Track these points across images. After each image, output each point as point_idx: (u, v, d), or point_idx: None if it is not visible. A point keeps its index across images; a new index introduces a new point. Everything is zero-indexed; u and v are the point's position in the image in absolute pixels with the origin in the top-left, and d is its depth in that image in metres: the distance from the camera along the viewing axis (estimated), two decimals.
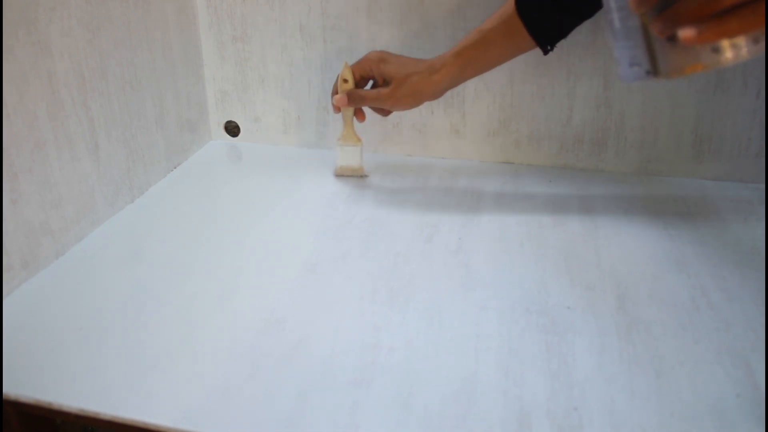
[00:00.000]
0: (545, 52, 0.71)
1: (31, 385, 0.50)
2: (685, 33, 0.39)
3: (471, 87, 0.86)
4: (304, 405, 0.48)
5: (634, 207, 0.77)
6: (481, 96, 0.87)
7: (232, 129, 0.99)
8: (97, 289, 0.63)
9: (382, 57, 0.75)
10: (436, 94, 0.74)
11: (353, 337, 0.55)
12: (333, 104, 0.79)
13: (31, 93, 0.62)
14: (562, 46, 0.81)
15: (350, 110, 0.80)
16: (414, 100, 0.74)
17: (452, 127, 0.90)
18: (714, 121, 0.81)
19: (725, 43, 0.41)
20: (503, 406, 0.48)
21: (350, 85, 0.77)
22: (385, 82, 0.75)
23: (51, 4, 0.63)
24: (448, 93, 0.87)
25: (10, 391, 0.50)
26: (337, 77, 0.78)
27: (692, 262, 0.65)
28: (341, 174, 0.85)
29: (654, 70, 0.45)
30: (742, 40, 0.40)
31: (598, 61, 0.81)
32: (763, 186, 0.81)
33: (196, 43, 0.92)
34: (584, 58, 0.82)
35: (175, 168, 0.89)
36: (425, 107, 0.89)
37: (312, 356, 0.53)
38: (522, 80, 0.85)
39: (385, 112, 0.79)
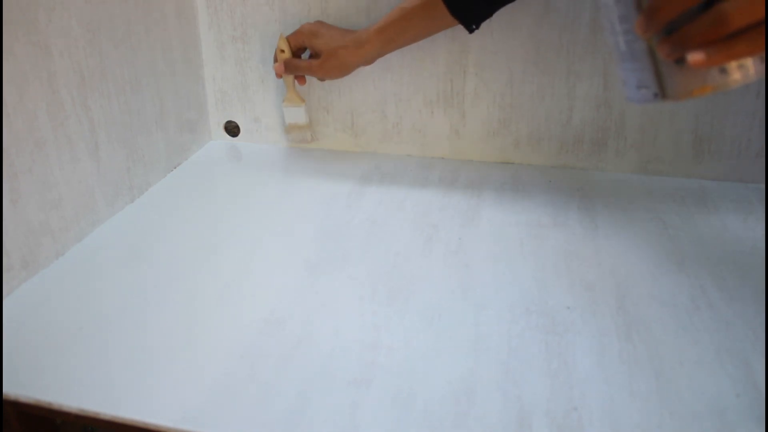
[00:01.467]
0: (470, 31, 0.75)
1: (31, 385, 0.50)
2: (694, 57, 0.40)
3: (471, 87, 0.86)
4: (304, 405, 0.48)
5: (634, 207, 0.77)
6: (481, 96, 0.87)
7: (232, 129, 0.99)
8: (97, 289, 0.63)
9: (313, 30, 0.82)
10: (364, 64, 0.82)
11: (353, 337, 0.55)
12: (275, 69, 0.87)
13: (31, 93, 0.62)
14: (562, 46, 0.81)
15: (291, 76, 0.87)
16: (341, 71, 0.82)
17: (452, 127, 0.90)
18: (714, 121, 0.81)
19: (733, 65, 0.41)
20: (503, 406, 0.48)
21: (287, 54, 0.85)
22: (317, 54, 0.82)
23: (51, 4, 0.63)
24: (448, 92, 0.87)
25: (10, 391, 0.50)
26: (276, 47, 0.86)
27: (692, 262, 0.65)
28: (290, 133, 0.93)
29: (662, 93, 0.45)
30: (749, 61, 0.41)
31: (598, 61, 0.81)
32: (763, 186, 0.81)
33: (196, 43, 0.92)
34: (584, 58, 0.82)
35: (175, 168, 0.89)
36: (425, 107, 0.89)
37: (312, 356, 0.53)
38: (522, 80, 0.85)
39: (320, 79, 0.88)
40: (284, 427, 0.46)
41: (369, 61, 0.81)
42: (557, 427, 0.46)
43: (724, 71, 0.41)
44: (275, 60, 0.87)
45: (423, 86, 0.88)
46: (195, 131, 0.94)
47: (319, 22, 0.83)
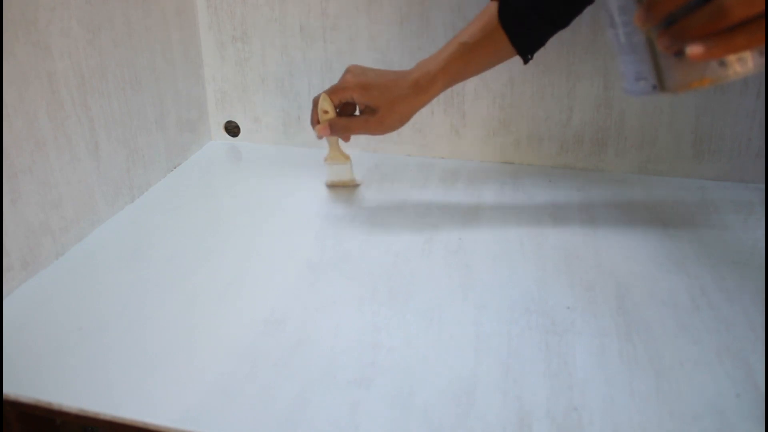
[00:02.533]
0: (525, 62, 0.71)
1: (31, 385, 0.50)
2: (693, 50, 0.39)
3: (471, 87, 0.86)
4: (304, 405, 0.48)
5: (634, 207, 0.77)
6: (481, 96, 0.87)
7: (232, 129, 0.99)
8: (97, 289, 0.63)
9: (362, 83, 0.71)
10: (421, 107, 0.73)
11: (353, 337, 0.55)
12: (316, 133, 0.76)
13: (31, 93, 0.62)
14: (562, 46, 0.81)
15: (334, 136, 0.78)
16: (402, 122, 0.72)
17: (452, 127, 0.90)
18: (714, 121, 0.81)
19: (732, 57, 0.41)
20: (503, 406, 0.48)
21: (331, 115, 0.73)
22: (369, 108, 0.72)
23: (51, 4, 0.63)
24: (448, 92, 0.87)
25: (10, 391, 0.50)
26: (314, 104, 0.74)
27: (692, 262, 0.65)
28: (333, 186, 0.84)
29: (660, 85, 0.44)
30: (748, 54, 0.40)
31: (598, 61, 0.81)
32: (763, 186, 0.81)
33: (196, 43, 0.92)
34: (584, 58, 0.82)
35: (175, 168, 0.89)
36: (425, 107, 0.89)
37: (312, 356, 0.53)
38: (522, 80, 0.85)
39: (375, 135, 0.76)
40: (284, 427, 0.46)
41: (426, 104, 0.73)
42: (557, 427, 0.46)
43: (723, 64, 0.41)
44: (314, 120, 0.75)
45: None
46: (195, 131, 0.94)
47: (361, 69, 0.73)
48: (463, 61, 0.70)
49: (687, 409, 0.47)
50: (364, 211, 0.77)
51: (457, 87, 0.87)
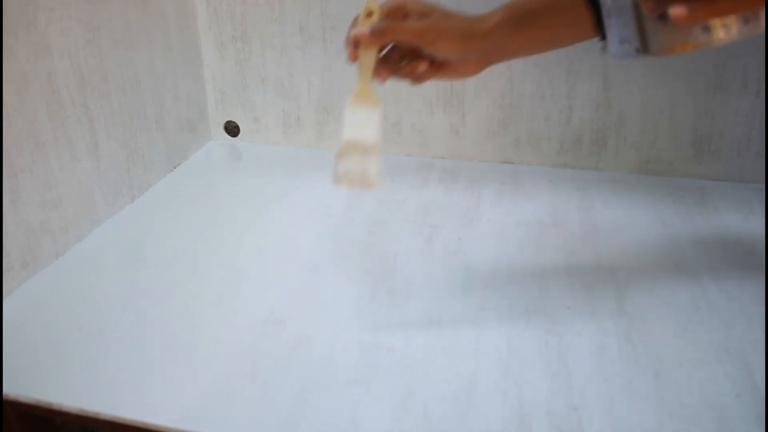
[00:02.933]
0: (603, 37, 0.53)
1: (31, 385, 0.50)
2: (676, 11, 0.38)
3: (471, 87, 0.86)
4: (304, 405, 0.48)
5: (634, 207, 0.77)
6: (480, 96, 0.87)
7: (232, 129, 0.99)
8: (97, 289, 0.63)
9: (423, 10, 0.55)
10: (485, 49, 0.56)
11: (353, 337, 0.55)
12: (348, 44, 0.54)
13: (31, 93, 0.62)
14: None
15: (371, 56, 0.54)
16: (462, 42, 0.54)
17: (452, 127, 0.90)
18: (714, 121, 0.81)
19: (716, 23, 0.40)
20: (503, 406, 0.48)
21: (375, 20, 0.54)
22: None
23: (51, 4, 0.63)
24: (448, 92, 0.87)
25: (10, 391, 0.50)
26: (357, 15, 0.56)
27: (692, 262, 0.65)
28: (344, 155, 0.55)
29: (644, 48, 0.45)
30: (733, 20, 0.40)
31: (598, 61, 0.81)
32: (763, 186, 0.81)
33: (196, 43, 0.92)
34: (584, 58, 0.82)
35: (175, 168, 0.89)
36: (425, 107, 0.89)
37: (312, 356, 0.53)
38: (522, 80, 0.85)
39: (421, 69, 0.56)
40: (284, 427, 0.46)
41: (489, 50, 0.56)
42: (557, 427, 0.46)
43: (707, 29, 0.41)
44: (349, 38, 0.54)
45: (423, 86, 0.87)
46: (195, 131, 0.94)
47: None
48: (533, 15, 0.55)
49: (687, 409, 0.47)
50: (364, 211, 0.77)
51: (457, 87, 0.87)
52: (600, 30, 0.53)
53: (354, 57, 0.54)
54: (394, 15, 0.55)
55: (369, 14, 0.55)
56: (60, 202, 0.67)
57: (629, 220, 0.74)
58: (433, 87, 0.87)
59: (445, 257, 0.67)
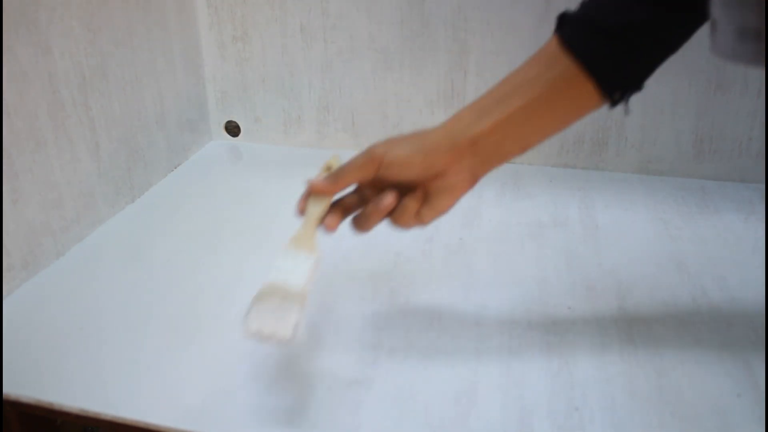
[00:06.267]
0: (613, 103, 0.49)
1: (31, 385, 0.50)
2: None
3: (472, 87, 0.86)
4: (304, 405, 0.48)
5: (635, 207, 0.77)
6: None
7: (233, 129, 0.99)
8: (97, 289, 0.63)
9: (390, 159, 0.48)
10: (472, 178, 0.50)
11: (354, 336, 0.55)
12: (300, 199, 0.53)
13: (31, 93, 0.62)
14: None
15: (321, 205, 0.52)
16: (420, 153, 0.49)
17: None
18: (714, 121, 0.81)
19: None
20: (504, 406, 0.48)
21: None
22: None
23: (52, 4, 0.63)
24: (449, 93, 0.87)
25: (10, 391, 0.50)
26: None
27: (692, 262, 0.65)
28: (262, 299, 0.48)
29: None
30: None
31: None
32: (763, 186, 0.81)
33: (196, 43, 0.92)
34: None
35: (175, 168, 0.89)
36: (426, 107, 0.89)
37: (312, 356, 0.53)
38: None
39: (386, 202, 0.49)
40: (284, 427, 0.46)
41: (477, 173, 0.49)
42: (558, 427, 0.46)
43: None
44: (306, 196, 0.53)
45: (423, 86, 0.88)
46: (195, 131, 0.94)
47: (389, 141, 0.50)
48: (523, 115, 0.50)
49: (688, 409, 0.47)
50: None
51: (458, 87, 0.87)
52: (608, 95, 0.48)
53: (302, 208, 0.52)
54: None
55: (328, 169, 0.54)
56: (60, 202, 0.67)
57: (630, 220, 0.74)
58: (434, 86, 0.87)
59: (446, 257, 0.67)
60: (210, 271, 0.65)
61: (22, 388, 0.50)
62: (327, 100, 0.92)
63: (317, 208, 0.52)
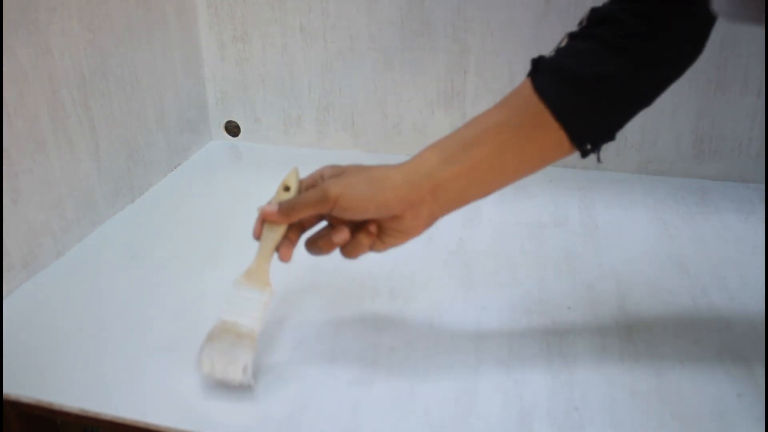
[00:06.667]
0: (584, 153, 0.51)
1: (31, 385, 0.50)
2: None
3: (472, 87, 0.86)
4: (304, 405, 0.48)
5: (635, 207, 0.77)
6: (481, 96, 0.87)
7: (233, 129, 0.99)
8: (97, 289, 0.63)
9: (335, 172, 0.51)
10: (429, 218, 0.49)
11: (354, 336, 0.55)
12: (256, 223, 0.52)
13: (31, 93, 0.62)
14: None
15: (276, 234, 0.50)
16: (374, 195, 0.47)
17: (452, 127, 0.89)
18: (714, 121, 0.81)
19: None
20: (504, 406, 0.48)
21: (292, 194, 0.51)
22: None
23: (52, 4, 0.63)
24: (449, 93, 0.87)
25: (10, 391, 0.50)
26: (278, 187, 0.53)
27: (692, 262, 0.65)
28: (214, 338, 0.48)
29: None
30: None
31: None
32: (763, 186, 0.81)
33: (196, 43, 0.92)
34: None
35: (175, 168, 0.89)
36: (426, 107, 0.89)
37: (312, 356, 0.53)
38: (522, 80, 0.84)
39: (339, 238, 0.49)
40: (284, 427, 0.46)
41: (435, 215, 0.48)
42: (558, 427, 0.46)
43: None
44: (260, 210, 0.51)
45: (423, 86, 0.88)
46: (195, 131, 0.94)
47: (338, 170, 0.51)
48: (488, 162, 0.49)
49: (688, 409, 0.47)
50: None
51: (458, 86, 0.87)
52: (579, 143, 0.49)
53: (258, 233, 0.51)
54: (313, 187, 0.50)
55: (286, 189, 0.51)
56: (60, 202, 0.67)
57: (630, 220, 0.74)
58: (434, 86, 0.87)
59: (446, 257, 0.67)
60: (210, 271, 0.65)
61: (22, 388, 0.50)
62: (327, 100, 0.92)
63: (272, 234, 0.50)
